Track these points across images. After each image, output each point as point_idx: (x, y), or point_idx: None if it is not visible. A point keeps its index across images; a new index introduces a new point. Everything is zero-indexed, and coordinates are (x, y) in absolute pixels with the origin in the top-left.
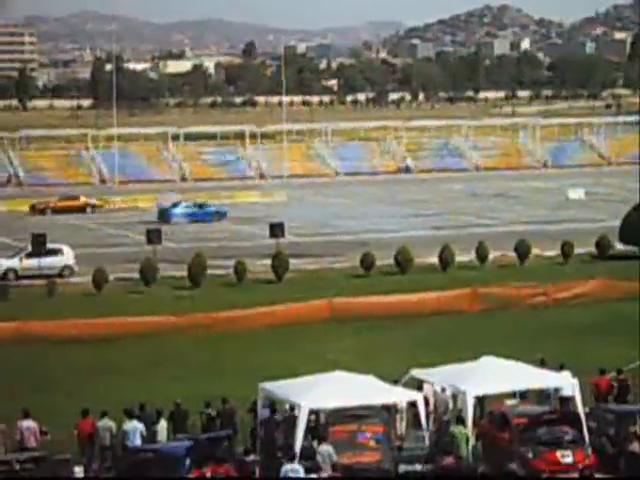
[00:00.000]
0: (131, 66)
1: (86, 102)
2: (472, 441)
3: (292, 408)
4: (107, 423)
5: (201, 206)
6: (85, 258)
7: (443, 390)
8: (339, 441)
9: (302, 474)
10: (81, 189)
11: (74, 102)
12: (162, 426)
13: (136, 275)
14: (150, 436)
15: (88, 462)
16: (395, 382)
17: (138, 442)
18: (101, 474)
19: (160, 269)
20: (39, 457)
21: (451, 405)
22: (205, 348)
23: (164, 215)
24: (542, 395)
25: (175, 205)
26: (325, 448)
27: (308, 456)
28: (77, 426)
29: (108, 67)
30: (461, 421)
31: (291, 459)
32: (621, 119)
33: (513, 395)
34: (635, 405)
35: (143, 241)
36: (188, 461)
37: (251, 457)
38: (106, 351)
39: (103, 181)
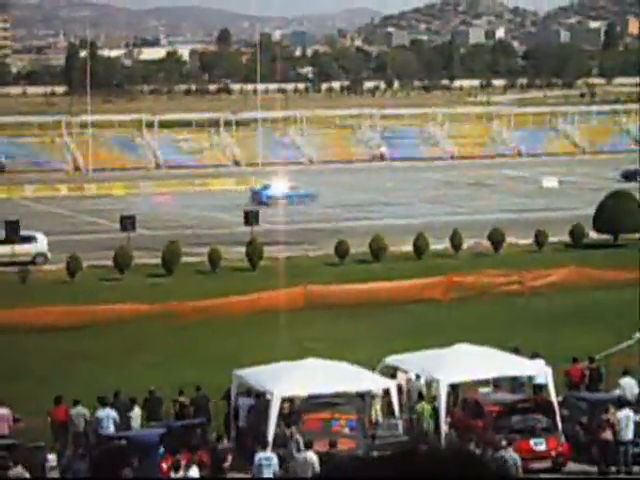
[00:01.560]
0: (105, 53)
1: (60, 89)
2: (444, 427)
3: (258, 395)
4: (80, 410)
5: (293, 189)
6: (59, 245)
7: (417, 377)
8: (313, 429)
9: (276, 462)
10: (55, 176)
11: (48, 89)
12: (136, 413)
13: (110, 263)
14: (124, 423)
15: (61, 449)
16: (370, 370)
17: (112, 429)
18: (74, 461)
19: (134, 257)
20: (12, 444)
21: (425, 393)
22: (179, 336)
23: (259, 197)
24: (516, 383)
25: (266, 187)
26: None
27: (281, 444)
28: (50, 413)
29: (82, 54)
30: (424, 398)
31: (263, 447)
32: (595, 108)
33: (487, 383)
34: (607, 393)
35: (117, 228)
36: (162, 448)
37: (225, 444)
38: (80, 339)
39: (77, 168)
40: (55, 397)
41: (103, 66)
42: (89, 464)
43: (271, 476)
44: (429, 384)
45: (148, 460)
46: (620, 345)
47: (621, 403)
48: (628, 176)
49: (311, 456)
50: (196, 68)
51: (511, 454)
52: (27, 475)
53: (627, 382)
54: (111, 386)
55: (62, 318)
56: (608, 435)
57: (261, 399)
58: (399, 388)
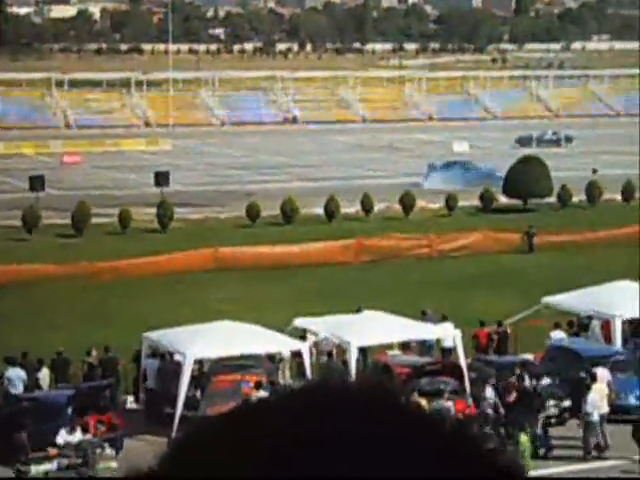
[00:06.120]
0: (14, 10)
1: None
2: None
3: (163, 356)
4: None
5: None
6: None
7: (325, 339)
8: (222, 391)
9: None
10: None
11: None
12: (44, 374)
13: (18, 222)
14: (32, 384)
15: None
16: (280, 332)
17: (20, 390)
18: None
19: (43, 217)
20: None
21: (334, 355)
22: (88, 297)
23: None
24: (424, 346)
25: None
26: None
27: (192, 406)
28: None
29: None
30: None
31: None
32: (506, 73)
33: (396, 346)
34: (514, 356)
35: (26, 188)
36: (70, 409)
37: (134, 406)
38: None
39: None
40: None
41: (12, 23)
42: None
43: None
44: (339, 347)
45: (55, 421)
46: (528, 310)
47: (526, 366)
48: (523, 142)
49: None
50: (107, 27)
51: None
52: None
53: (557, 334)
54: (19, 347)
55: None
56: (514, 397)
57: (168, 361)
58: (309, 350)
